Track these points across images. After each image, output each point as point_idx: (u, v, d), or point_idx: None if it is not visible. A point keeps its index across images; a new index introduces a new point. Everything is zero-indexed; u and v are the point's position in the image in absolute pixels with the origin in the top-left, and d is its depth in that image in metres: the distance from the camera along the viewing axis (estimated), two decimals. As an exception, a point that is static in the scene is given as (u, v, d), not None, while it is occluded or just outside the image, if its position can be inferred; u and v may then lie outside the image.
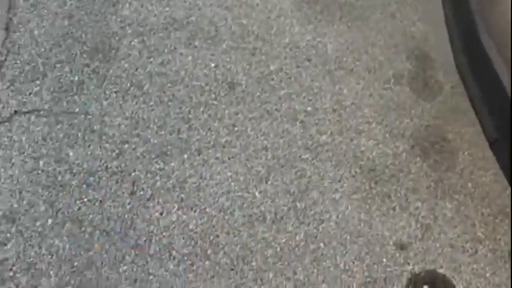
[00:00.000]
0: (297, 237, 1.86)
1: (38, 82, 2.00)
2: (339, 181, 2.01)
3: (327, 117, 2.18)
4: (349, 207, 1.95)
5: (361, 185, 2.02)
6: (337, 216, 1.92)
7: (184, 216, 1.84)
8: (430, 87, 2.31)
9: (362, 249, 1.87)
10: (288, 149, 2.07)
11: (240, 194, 1.93)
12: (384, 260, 1.87)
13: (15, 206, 1.73)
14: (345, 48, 2.40)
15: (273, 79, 2.25)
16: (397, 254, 1.86)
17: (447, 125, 2.18)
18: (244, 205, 1.90)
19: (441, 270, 1.85)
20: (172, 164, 1.95)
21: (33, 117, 1.91)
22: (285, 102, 2.19)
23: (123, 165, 1.90)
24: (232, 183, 1.95)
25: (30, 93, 1.97)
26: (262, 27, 2.39)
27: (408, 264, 1.85)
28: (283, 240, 1.84)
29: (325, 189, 1.98)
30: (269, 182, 1.97)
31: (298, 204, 1.93)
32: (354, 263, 1.84)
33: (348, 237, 1.89)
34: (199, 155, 1.99)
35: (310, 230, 1.88)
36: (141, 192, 1.86)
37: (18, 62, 2.02)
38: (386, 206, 1.97)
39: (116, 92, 2.06)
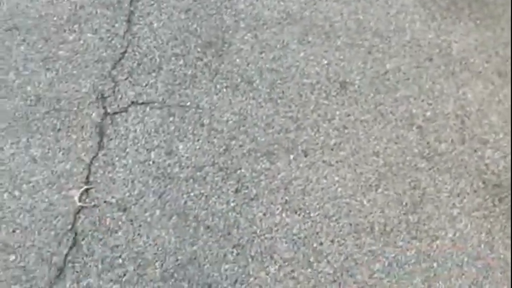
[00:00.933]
0: (408, 253, 1.72)
1: (154, 74, 2.05)
2: (458, 195, 1.83)
3: (448, 124, 1.99)
4: (469, 226, 1.77)
5: (484, 201, 1.82)
6: (454, 234, 1.75)
7: (288, 220, 1.78)
8: None
9: (480, 274, 1.69)
10: (402, 156, 1.92)
11: (347, 200, 1.83)
12: (505, 287, 1.68)
13: (127, 195, 1.79)
14: (473, 49, 2.18)
15: (389, 79, 2.11)
16: (523, 284, 1.66)
17: None
18: (351, 213, 1.80)
19: None
20: (278, 164, 1.90)
21: (147, 109, 1.97)
22: (401, 105, 2.04)
23: (229, 161, 1.89)
24: (339, 189, 1.85)
25: (146, 85, 2.02)
26: (380, 23, 2.25)
27: (535, 297, 1.63)
28: (392, 255, 1.71)
29: (441, 203, 1.82)
30: (379, 191, 1.85)
31: (410, 217, 1.79)
32: (470, 287, 1.67)
33: (466, 259, 1.71)
34: (306, 156, 1.92)
35: (422, 246, 1.73)
36: (246, 191, 1.83)
37: (137, 54, 2.09)
38: (513, 228, 1.76)
39: (226, 87, 2.05)
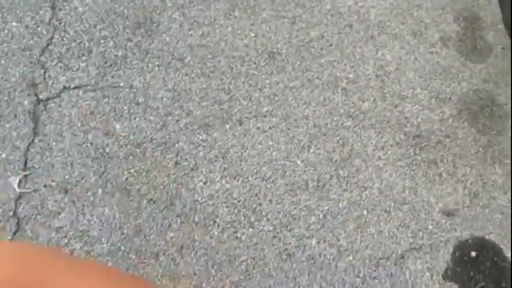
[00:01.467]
0: (340, 205, 1.85)
1: (84, 58, 2.06)
2: (383, 148, 1.98)
3: (369, 84, 2.13)
4: (394, 175, 1.92)
5: (406, 151, 1.98)
6: (381, 184, 1.90)
7: (228, 185, 1.87)
8: (479, 49, 2.21)
9: (407, 216, 1.85)
10: (329, 117, 2.05)
11: (282, 162, 1.93)
12: (430, 226, 1.84)
13: (67, 177, 1.82)
14: (389, 12, 2.33)
15: (313, 47, 2.22)
16: (444, 221, 1.83)
17: (497, 88, 2.09)
18: (287, 174, 1.91)
19: (490, 237, 1.80)
20: (215, 134, 1.98)
21: (80, 92, 1.99)
22: (326, 70, 2.16)
23: (167, 136, 1.95)
24: (274, 153, 1.96)
25: (77, 69, 2.03)
26: (301, -6, 2.35)
27: (455, 230, 1.81)
28: (326, 208, 1.84)
29: (368, 156, 1.96)
30: (311, 151, 1.97)
31: (340, 172, 1.92)
32: (398, 229, 1.82)
33: (392, 204, 1.86)
34: (240, 125, 2.01)
35: (353, 197, 1.87)
36: (185, 163, 1.90)
37: (65, 39, 2.09)
38: (433, 173, 1.92)
39: (158, 66, 2.10)
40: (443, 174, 1.92)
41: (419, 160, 1.96)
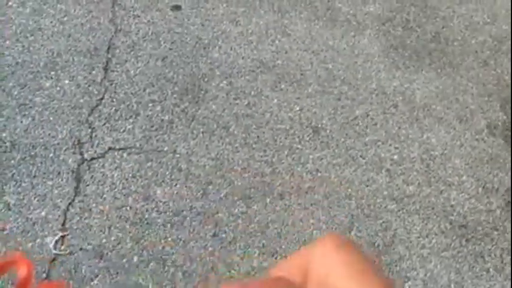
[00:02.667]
0: (382, 294, 1.77)
1: (131, 120, 2.08)
2: (427, 236, 1.91)
3: (414, 167, 2.10)
4: (438, 266, 1.84)
5: (452, 242, 1.90)
6: (425, 275, 1.82)
7: (265, 264, 1.81)
8: (527, 140, 2.17)
9: (452, 313, 1.75)
10: (372, 199, 2.00)
11: (322, 243, 1.87)
12: (475, 325, 1.74)
13: (104, 241, 1.78)
14: (434, 96, 2.32)
15: (358, 125, 2.21)
16: (492, 322, 1.73)
17: (548, 182, 2.03)
18: (327, 255, 1.85)
19: None
20: (255, 207, 1.94)
21: (125, 154, 1.99)
22: (370, 149, 2.14)
23: (207, 206, 1.92)
24: (314, 231, 1.90)
25: (123, 131, 2.05)
26: (348, 72, 2.37)
27: (504, 334, 1.70)
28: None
29: (412, 244, 1.89)
30: (352, 232, 1.91)
31: (382, 258, 1.85)
32: (442, 326, 1.72)
33: (437, 298, 1.78)
34: (281, 199, 1.97)
35: (395, 287, 1.79)
36: (223, 235, 1.86)
37: (114, 100, 2.12)
38: (479, 267, 1.84)
39: (203, 133, 2.10)
40: (491, 269, 1.84)
41: (466, 252, 1.88)
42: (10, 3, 2.34)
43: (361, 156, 2.12)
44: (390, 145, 2.16)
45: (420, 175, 2.08)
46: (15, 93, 2.08)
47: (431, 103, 2.30)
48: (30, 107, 2.05)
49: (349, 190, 2.02)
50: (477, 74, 2.39)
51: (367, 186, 2.04)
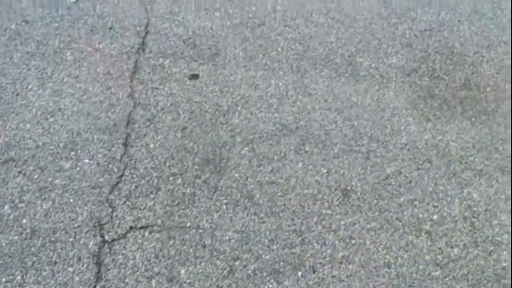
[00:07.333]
0: None
1: (152, 196, 2.01)
2: (480, 306, 1.72)
3: (457, 227, 1.93)
4: None
5: (508, 311, 1.70)
6: None
7: None
8: None
9: None
10: (414, 266, 1.83)
11: (362, 320, 1.71)
12: None
13: (127, 330, 1.67)
14: (471, 147, 2.17)
15: (390, 184, 2.08)
16: None
17: None
18: (368, 334, 1.67)
19: None
20: (286, 283, 1.80)
21: (146, 233, 1.90)
22: (406, 210, 1.99)
23: (234, 284, 1.79)
24: (352, 307, 1.74)
25: (144, 208, 1.98)
26: (375, 128, 2.26)
27: None
28: None
29: (463, 316, 1.70)
30: (395, 306, 1.74)
31: (432, 335, 1.66)
32: None
33: None
34: (314, 272, 1.83)
35: None
36: (254, 316, 1.72)
37: (135, 176, 2.07)
38: None
39: (226, 204, 2.01)
40: None
41: (526, 322, 1.67)
42: (30, 86, 2.37)
43: (397, 218, 1.97)
44: (428, 204, 2.00)
45: (464, 235, 1.90)
46: (36, 176, 2.05)
47: (468, 155, 2.15)
48: (50, 190, 2.01)
49: (387, 257, 1.86)
50: (515, 120, 2.24)
51: (407, 251, 1.87)
